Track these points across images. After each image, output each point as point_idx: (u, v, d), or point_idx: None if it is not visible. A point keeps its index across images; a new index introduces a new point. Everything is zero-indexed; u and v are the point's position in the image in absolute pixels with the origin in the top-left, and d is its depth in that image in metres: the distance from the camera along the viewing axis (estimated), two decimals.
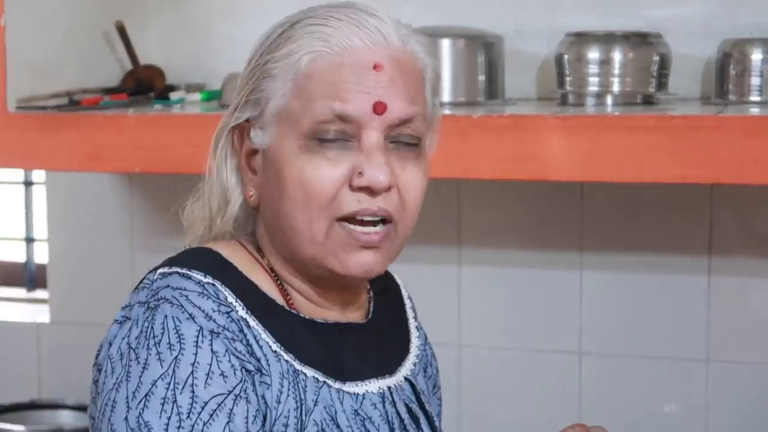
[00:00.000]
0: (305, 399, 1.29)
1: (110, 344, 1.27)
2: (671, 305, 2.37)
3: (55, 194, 2.75)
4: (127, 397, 1.22)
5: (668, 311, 2.37)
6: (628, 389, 2.41)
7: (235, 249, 1.36)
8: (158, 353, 1.22)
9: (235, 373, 1.23)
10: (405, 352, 1.46)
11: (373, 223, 1.30)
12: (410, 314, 1.53)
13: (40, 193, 2.88)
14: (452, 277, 2.47)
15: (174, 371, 1.21)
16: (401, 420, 1.37)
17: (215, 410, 1.21)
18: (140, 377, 1.22)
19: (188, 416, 1.20)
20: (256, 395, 1.25)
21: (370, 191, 1.28)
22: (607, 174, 1.97)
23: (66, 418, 2.65)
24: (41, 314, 2.83)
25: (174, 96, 2.41)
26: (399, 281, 1.56)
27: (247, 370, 1.25)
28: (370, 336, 1.40)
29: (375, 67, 1.29)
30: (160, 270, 1.31)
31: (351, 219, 1.29)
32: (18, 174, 2.98)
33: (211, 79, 2.49)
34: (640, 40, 2.17)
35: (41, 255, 2.89)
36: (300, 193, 1.28)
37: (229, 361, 1.23)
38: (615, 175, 1.97)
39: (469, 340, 2.48)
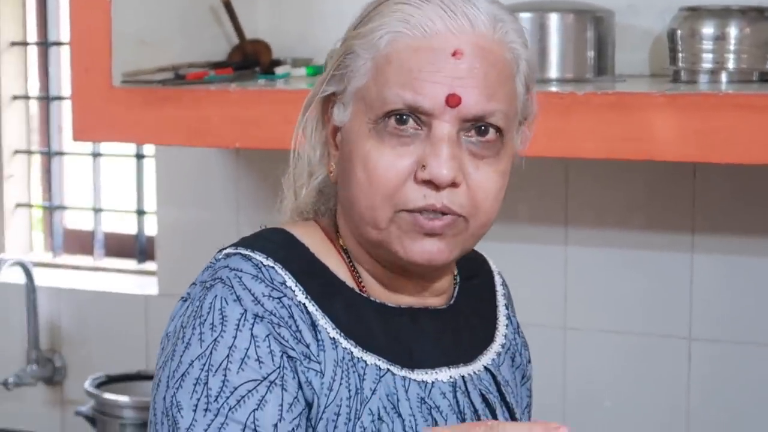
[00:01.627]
0: (362, 388, 1.26)
1: (171, 320, 1.29)
2: None
3: (164, 167, 2.77)
4: (168, 376, 1.23)
5: None
6: (741, 377, 2.32)
7: (309, 229, 1.35)
8: (200, 333, 1.23)
9: (273, 359, 1.22)
10: (489, 340, 1.42)
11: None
12: (501, 301, 1.48)
13: (151, 166, 2.90)
14: (559, 258, 2.42)
15: (211, 353, 1.21)
16: (474, 410, 1.34)
17: (244, 396, 1.20)
18: (181, 356, 1.23)
19: (216, 399, 1.20)
20: (298, 382, 1.23)
21: (434, 185, 1.24)
22: (715, 154, 1.90)
23: None
24: (150, 286, 2.86)
25: (279, 71, 2.40)
26: (494, 267, 1.51)
27: (289, 356, 1.23)
28: (449, 322, 1.36)
29: (454, 54, 1.23)
30: (226, 250, 1.30)
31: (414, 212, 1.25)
32: (130, 147, 3.01)
33: (319, 54, 2.46)
34: (757, 15, 2.08)
35: (152, 228, 2.91)
36: (365, 178, 1.26)
37: (269, 346, 1.22)
38: (724, 155, 1.89)
39: (574, 323, 2.43)
